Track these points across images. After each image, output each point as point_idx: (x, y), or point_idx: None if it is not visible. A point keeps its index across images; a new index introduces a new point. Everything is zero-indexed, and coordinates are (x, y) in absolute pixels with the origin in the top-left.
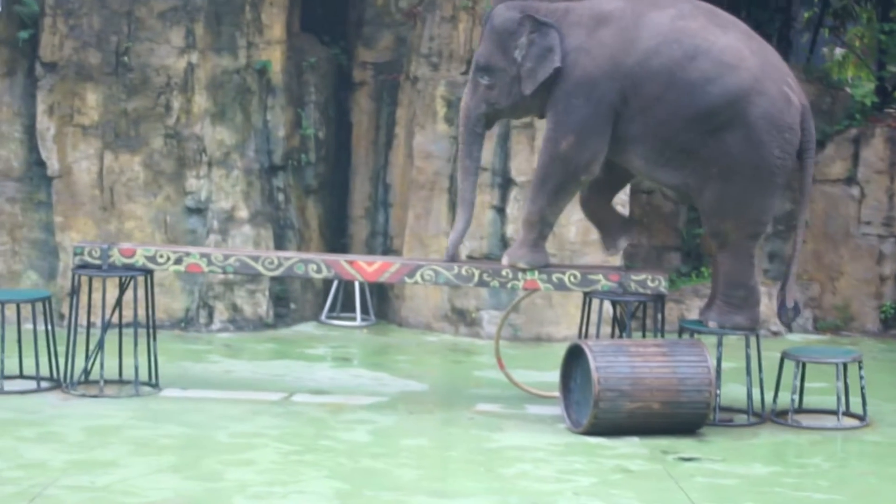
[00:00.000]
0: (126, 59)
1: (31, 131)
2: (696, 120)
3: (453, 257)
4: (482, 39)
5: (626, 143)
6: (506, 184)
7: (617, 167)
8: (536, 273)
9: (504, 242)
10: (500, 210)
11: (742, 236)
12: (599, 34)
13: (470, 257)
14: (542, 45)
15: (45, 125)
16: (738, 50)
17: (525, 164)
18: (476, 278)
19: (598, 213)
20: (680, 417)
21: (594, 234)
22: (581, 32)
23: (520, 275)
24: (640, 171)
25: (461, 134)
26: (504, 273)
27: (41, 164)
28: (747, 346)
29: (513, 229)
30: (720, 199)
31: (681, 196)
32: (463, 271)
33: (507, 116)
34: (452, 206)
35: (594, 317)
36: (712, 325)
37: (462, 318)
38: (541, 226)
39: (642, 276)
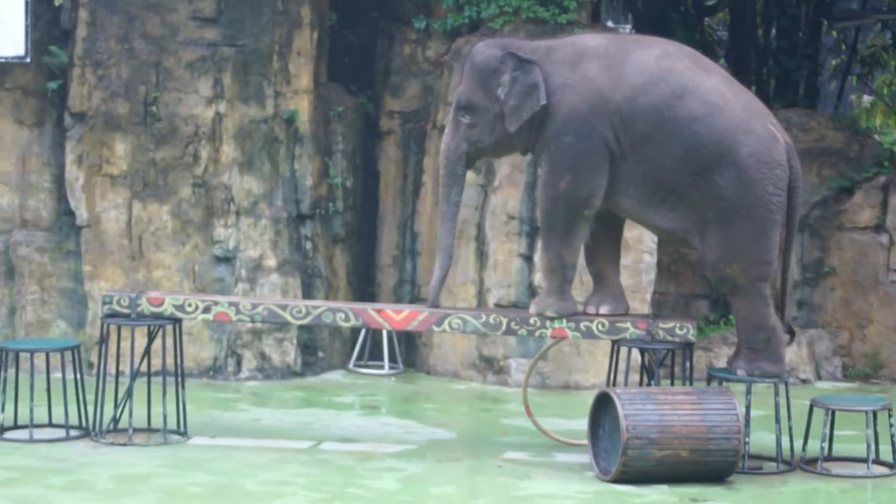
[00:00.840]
0: (154, 108)
1: (59, 181)
2: (684, 159)
3: (435, 303)
4: (463, 78)
5: (617, 184)
6: (533, 232)
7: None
8: (564, 321)
9: (532, 290)
10: (528, 258)
11: (750, 279)
12: (583, 69)
13: (498, 305)
14: (525, 82)
15: (74, 175)
16: (723, 92)
17: None
18: (504, 327)
19: (603, 270)
20: (709, 465)
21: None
22: (565, 69)
23: (547, 323)
24: (631, 213)
25: (441, 176)
26: (532, 321)
27: (70, 214)
28: (776, 393)
29: (540, 277)
30: (722, 243)
31: (677, 241)
32: (491, 319)
33: (488, 155)
34: (480, 255)
35: (622, 365)
36: (741, 373)
37: (490, 366)
38: (562, 270)
39: (670, 324)
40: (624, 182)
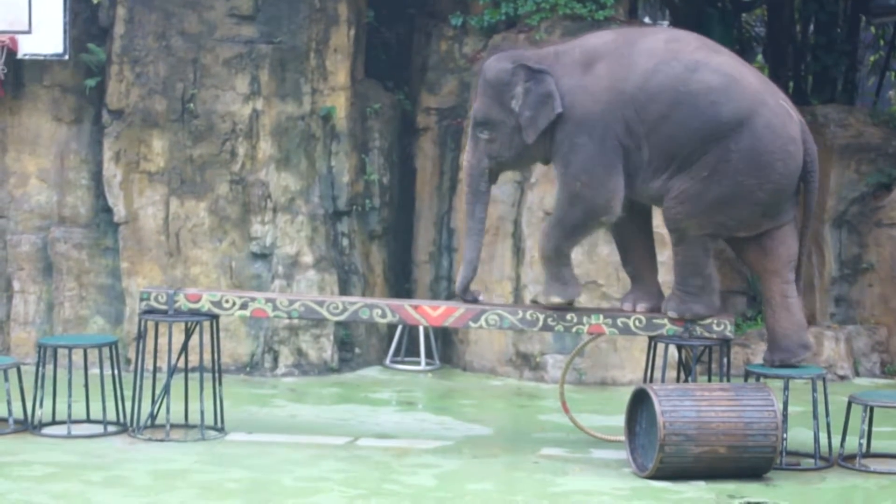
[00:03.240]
0: (192, 105)
1: (97, 178)
2: (701, 131)
3: (471, 298)
4: (477, 94)
5: (640, 173)
6: None
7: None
8: (601, 317)
9: None
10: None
11: (702, 233)
12: (594, 70)
13: (534, 301)
14: (538, 91)
15: (112, 172)
16: (735, 65)
17: None
18: (541, 323)
19: (639, 269)
20: (746, 461)
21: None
22: (576, 72)
23: (584, 319)
24: (649, 196)
25: (466, 193)
26: (569, 317)
27: (108, 211)
28: (814, 390)
29: (577, 273)
30: (696, 197)
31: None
32: (527, 316)
33: (510, 168)
34: (517, 251)
35: (659, 361)
36: (672, 314)
37: (526, 363)
38: (557, 258)
39: (708, 321)
40: (647, 168)
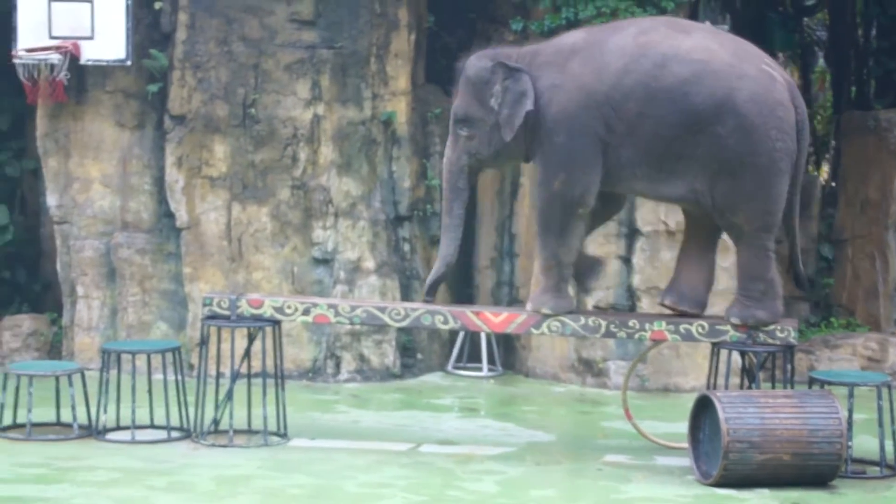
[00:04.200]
0: (253, 111)
1: (160, 183)
2: (682, 124)
3: (429, 296)
4: (458, 92)
5: (623, 170)
6: (631, 234)
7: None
8: (664, 323)
9: (630, 292)
10: (627, 260)
11: (754, 228)
12: (568, 67)
13: (596, 307)
14: (515, 90)
15: (174, 177)
16: (706, 46)
17: (651, 214)
18: (603, 329)
19: (681, 268)
20: (811, 469)
21: (721, 284)
22: (551, 71)
23: (647, 325)
24: (645, 192)
25: (444, 190)
26: (631, 324)
27: (170, 216)
28: (879, 397)
29: (639, 279)
30: (727, 193)
31: (694, 206)
32: (590, 322)
33: (490, 166)
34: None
35: (722, 367)
36: (734, 320)
37: (589, 369)
38: (558, 269)
39: (771, 327)
40: (629, 167)
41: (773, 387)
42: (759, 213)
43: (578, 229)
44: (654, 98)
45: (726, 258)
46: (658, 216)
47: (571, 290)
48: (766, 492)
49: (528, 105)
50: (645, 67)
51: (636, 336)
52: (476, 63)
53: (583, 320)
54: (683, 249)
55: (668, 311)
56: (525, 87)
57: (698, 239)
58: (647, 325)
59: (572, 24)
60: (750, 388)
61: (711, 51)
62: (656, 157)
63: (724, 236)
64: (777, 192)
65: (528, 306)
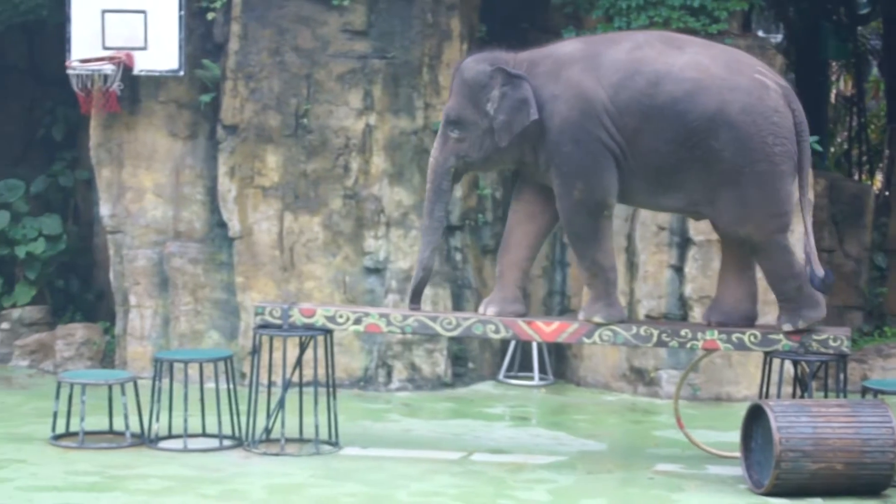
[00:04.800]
0: (305, 121)
1: (212, 193)
2: (676, 140)
3: (415, 303)
4: (452, 93)
5: (624, 181)
6: (684, 243)
7: (536, 221)
8: (716, 333)
9: (682, 302)
10: (679, 269)
11: (767, 234)
12: (566, 78)
13: (648, 317)
14: (514, 97)
15: (227, 187)
16: (698, 63)
17: (703, 223)
18: (655, 338)
19: (506, 266)
20: (864, 479)
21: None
22: (549, 81)
23: (699, 335)
24: (642, 203)
25: (428, 190)
26: (683, 333)
27: (222, 226)
28: None
29: (691, 288)
30: (731, 206)
31: (692, 216)
32: (641, 331)
33: (477, 169)
34: (630, 266)
35: (775, 377)
36: (787, 327)
37: (640, 378)
38: (603, 274)
39: (824, 336)
40: (629, 178)
41: (826, 396)
42: (769, 217)
43: (608, 231)
44: (649, 116)
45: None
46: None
47: (622, 301)
48: (818, 501)
49: (533, 114)
50: (639, 85)
51: (688, 345)
52: (474, 66)
53: (634, 329)
54: (722, 265)
55: None
56: (526, 94)
57: (734, 252)
58: (699, 335)
59: None
60: (802, 397)
61: (703, 67)
62: (653, 170)
63: None
64: (784, 195)
65: (581, 316)
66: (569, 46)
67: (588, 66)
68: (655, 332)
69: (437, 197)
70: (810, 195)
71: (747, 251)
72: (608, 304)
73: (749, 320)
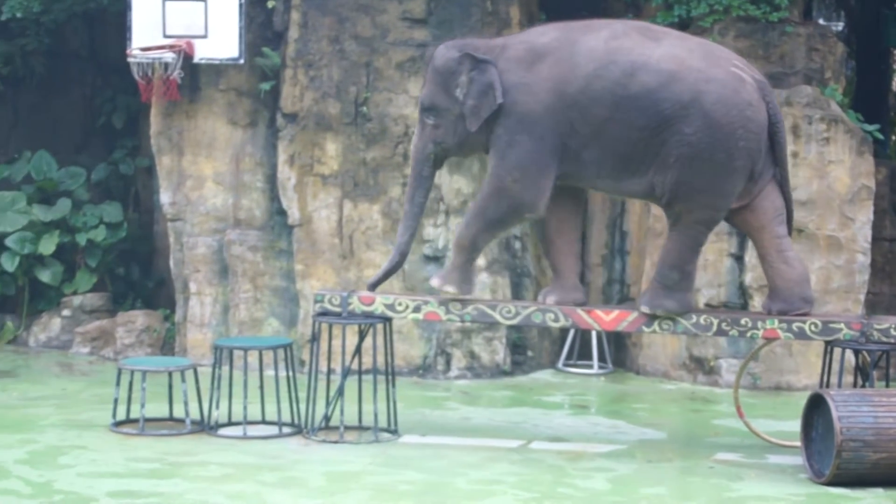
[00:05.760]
0: (365, 108)
1: (272, 181)
2: (648, 127)
3: (372, 286)
4: (426, 81)
5: (586, 169)
6: (742, 232)
7: (569, 206)
8: (776, 322)
9: (742, 291)
10: (738, 258)
11: (692, 219)
12: (537, 68)
13: (708, 305)
14: (481, 81)
15: (286, 175)
16: (675, 55)
17: None
18: (715, 327)
19: (557, 257)
20: None
21: (835, 283)
22: (520, 69)
23: (759, 324)
24: (607, 189)
25: (409, 177)
26: (743, 322)
27: (282, 213)
28: None
29: (751, 277)
30: (676, 183)
31: (652, 199)
32: (701, 320)
33: (454, 155)
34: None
35: (836, 366)
36: (644, 308)
37: (700, 367)
38: (471, 250)
39: (886, 325)
40: (593, 166)
41: (888, 385)
42: (704, 206)
43: (511, 227)
44: (621, 105)
45: (839, 256)
46: None
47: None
48: (879, 491)
49: (498, 97)
50: (614, 75)
51: (748, 334)
52: (444, 53)
53: (694, 318)
54: (553, 242)
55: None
56: (492, 78)
57: (570, 229)
58: (759, 324)
59: (685, 22)
60: (864, 386)
61: (680, 59)
62: (620, 157)
63: (841, 235)
64: (728, 190)
65: (434, 282)
66: (545, 35)
67: (562, 58)
68: (715, 322)
69: (418, 183)
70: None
71: (669, 223)
72: (463, 275)
73: (808, 302)
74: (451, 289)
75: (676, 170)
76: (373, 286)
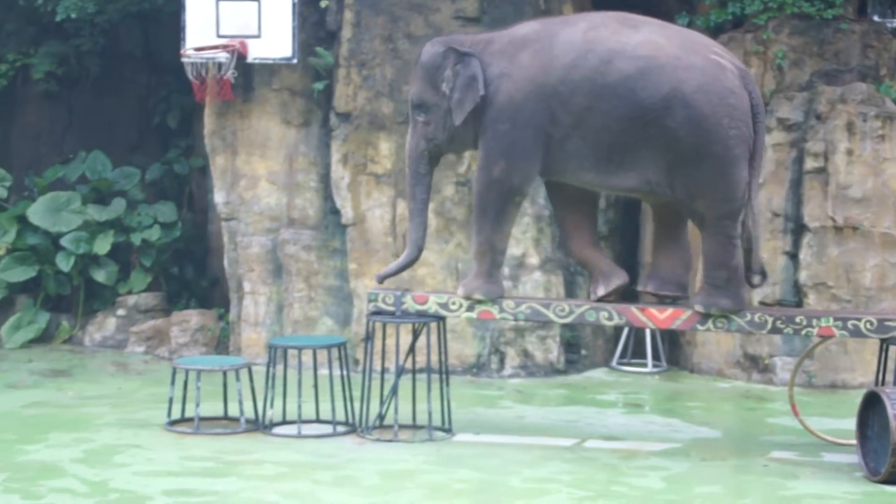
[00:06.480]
0: None
1: (325, 180)
2: (629, 117)
3: (379, 278)
4: (413, 78)
5: (569, 161)
6: (798, 229)
7: (581, 200)
8: (831, 320)
9: (797, 288)
10: (793, 256)
11: (715, 216)
12: (519, 58)
13: (762, 303)
14: (465, 74)
15: (340, 174)
16: (653, 41)
17: (818, 209)
18: (769, 325)
19: (582, 252)
20: None
21: (890, 280)
22: (503, 59)
23: (814, 321)
24: (593, 183)
25: (407, 175)
26: (798, 320)
27: (336, 213)
28: None
29: (806, 275)
30: (686, 183)
31: (647, 196)
32: (756, 318)
33: (447, 151)
34: (747, 253)
35: (891, 364)
36: (698, 308)
37: (754, 365)
38: (492, 254)
39: None
40: (576, 158)
41: None
42: (720, 200)
43: (513, 216)
44: (600, 94)
45: (880, 253)
46: (826, 212)
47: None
48: None
49: (481, 90)
50: (592, 63)
51: (803, 332)
52: (429, 49)
53: (748, 316)
54: (656, 234)
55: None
56: (475, 71)
57: (667, 222)
58: (814, 321)
59: (739, 19)
60: None
61: (658, 45)
62: (604, 148)
63: None
64: (736, 179)
65: (460, 291)
66: (526, 28)
67: (542, 48)
68: (770, 319)
69: (417, 181)
70: (759, 178)
71: (697, 226)
72: (490, 282)
73: (682, 288)
74: (478, 296)
75: (680, 170)
76: (382, 279)
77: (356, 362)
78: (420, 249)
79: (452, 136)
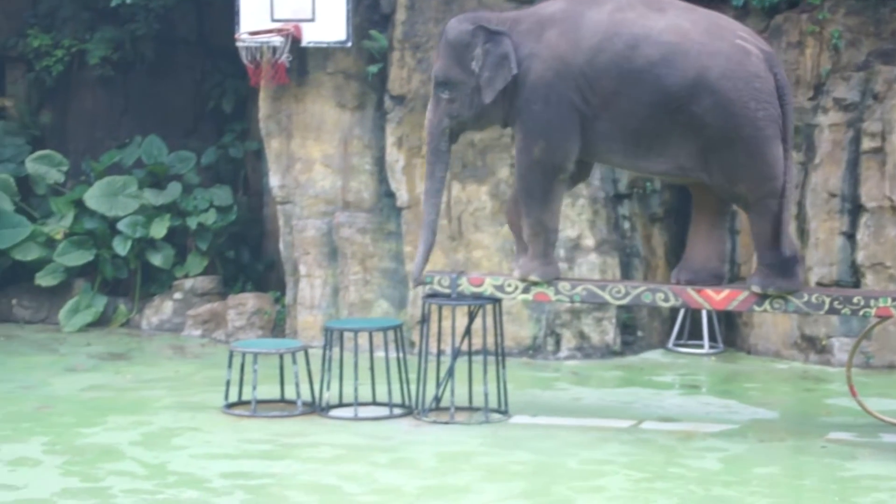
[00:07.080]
0: None
1: (380, 163)
2: (656, 103)
3: (418, 280)
4: (438, 55)
5: (599, 142)
6: (855, 210)
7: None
8: (889, 300)
9: (854, 269)
10: (850, 236)
11: (758, 197)
12: (546, 37)
13: (819, 284)
14: (496, 53)
15: (394, 157)
16: (678, 26)
17: (875, 189)
18: (826, 306)
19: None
20: None
21: None
22: (530, 39)
23: (872, 302)
24: (623, 165)
25: (426, 153)
26: (855, 300)
27: (390, 196)
28: None
29: (863, 255)
30: (722, 167)
31: (678, 180)
32: (813, 299)
33: (470, 128)
34: (801, 233)
35: None
36: (755, 289)
37: (812, 346)
38: (545, 234)
39: None
40: (605, 140)
41: None
42: (760, 180)
43: (560, 194)
44: (627, 78)
45: None
46: (883, 192)
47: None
48: None
49: (513, 69)
50: (617, 48)
51: (861, 313)
52: (457, 26)
53: (806, 297)
54: (693, 224)
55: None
56: (507, 49)
57: (705, 211)
58: (871, 302)
59: (794, 0)
60: None
61: (683, 31)
62: (632, 132)
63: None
64: (771, 158)
65: (516, 273)
66: (553, 6)
67: (568, 28)
68: (827, 300)
69: (437, 158)
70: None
71: (741, 208)
72: (545, 263)
73: (718, 279)
74: (534, 277)
75: (713, 155)
76: (419, 275)
77: (412, 345)
78: (435, 233)
79: (479, 113)
